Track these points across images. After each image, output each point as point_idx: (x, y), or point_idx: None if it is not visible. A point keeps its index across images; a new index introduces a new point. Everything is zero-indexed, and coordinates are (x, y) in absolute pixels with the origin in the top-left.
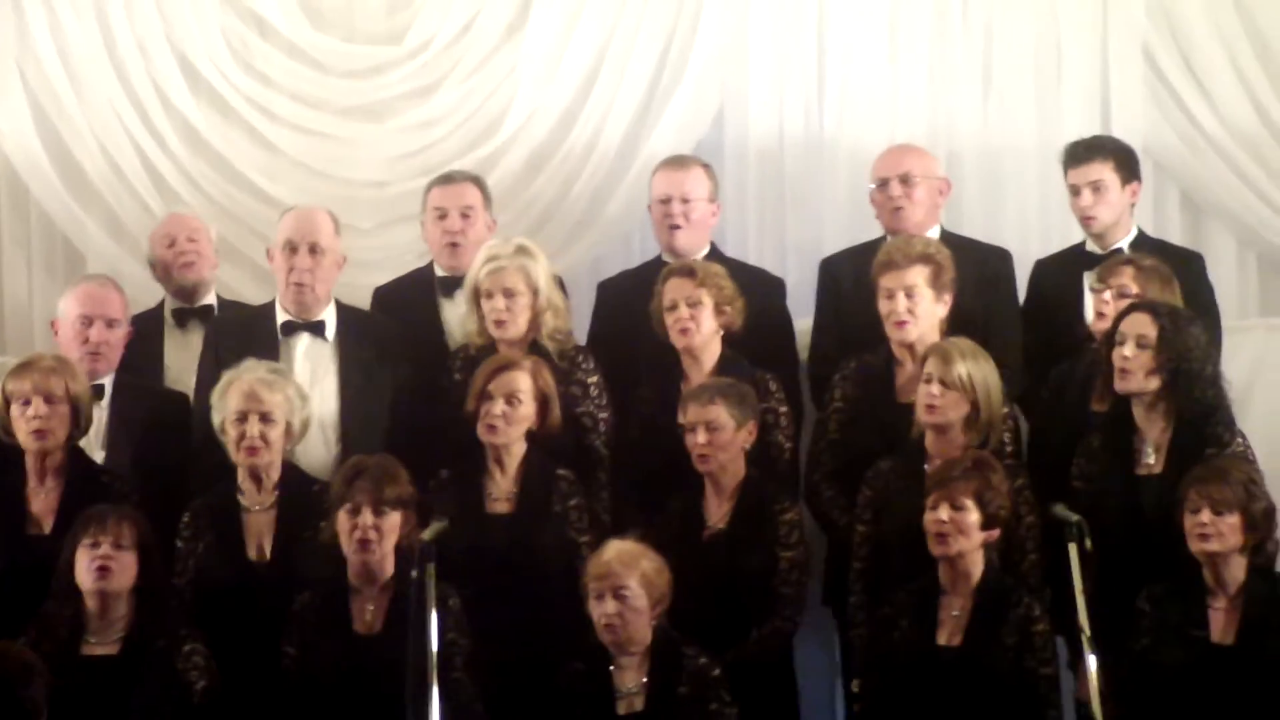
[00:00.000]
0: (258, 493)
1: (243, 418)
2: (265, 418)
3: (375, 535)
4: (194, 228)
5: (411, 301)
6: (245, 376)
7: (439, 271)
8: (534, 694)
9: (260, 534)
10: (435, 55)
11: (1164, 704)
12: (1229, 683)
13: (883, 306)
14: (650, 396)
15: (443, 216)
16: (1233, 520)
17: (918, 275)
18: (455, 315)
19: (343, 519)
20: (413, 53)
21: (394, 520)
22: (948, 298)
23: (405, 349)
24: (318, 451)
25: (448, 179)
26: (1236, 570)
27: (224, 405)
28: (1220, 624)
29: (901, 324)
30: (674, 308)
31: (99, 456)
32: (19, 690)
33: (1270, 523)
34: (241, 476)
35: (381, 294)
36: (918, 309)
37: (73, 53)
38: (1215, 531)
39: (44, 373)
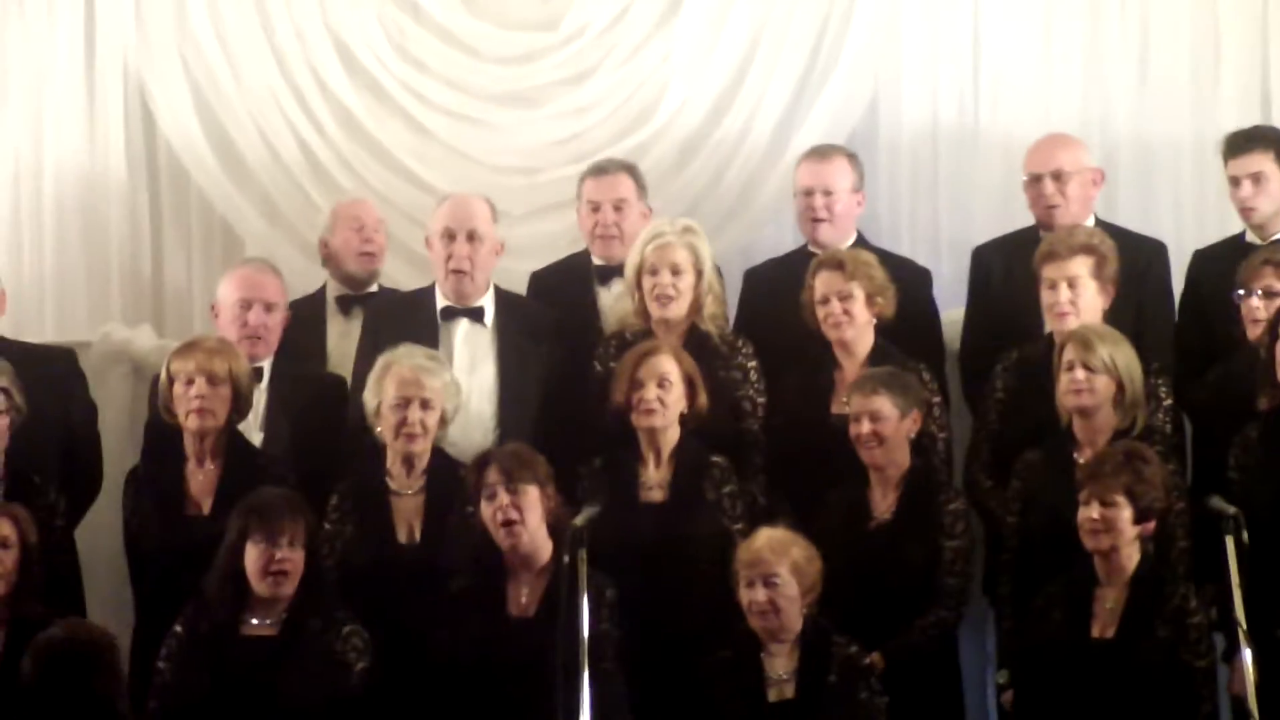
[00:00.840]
0: (407, 477)
1: (404, 403)
2: (425, 404)
3: (516, 513)
4: (379, 219)
5: (568, 288)
6: (405, 362)
7: (595, 260)
8: (684, 681)
9: (410, 518)
10: (589, 42)
11: None
12: None
13: (1045, 297)
14: (797, 385)
15: (596, 209)
16: None
17: (1081, 266)
18: (611, 303)
19: (484, 507)
20: (566, 39)
21: (532, 495)
22: (1111, 289)
23: (561, 335)
24: (475, 439)
25: (600, 170)
26: None
27: (381, 389)
28: None
29: (1063, 315)
30: (825, 301)
31: (256, 439)
32: (92, 671)
33: None
34: (392, 460)
35: (538, 278)
36: (1080, 300)
37: (232, 39)
38: None
39: (208, 353)
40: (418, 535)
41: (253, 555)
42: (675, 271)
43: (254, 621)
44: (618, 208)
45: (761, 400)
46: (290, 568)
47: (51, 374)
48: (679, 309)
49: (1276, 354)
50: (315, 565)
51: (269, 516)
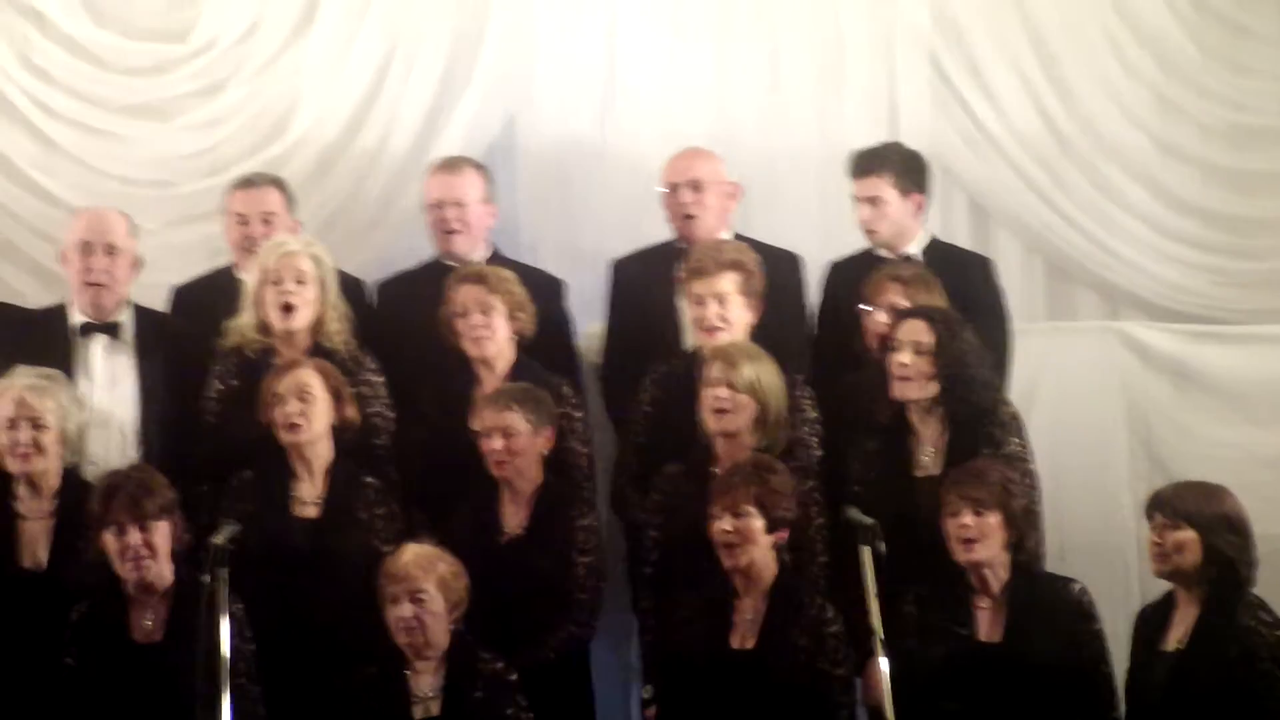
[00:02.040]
0: (34, 499)
1: (13, 424)
2: (37, 424)
3: (147, 551)
4: None
5: (216, 302)
6: (16, 383)
7: (243, 274)
8: (328, 698)
9: (36, 542)
10: (220, 54)
11: (936, 704)
12: (997, 680)
13: (692, 312)
14: (436, 399)
15: (244, 222)
16: (993, 520)
17: (729, 282)
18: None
19: (110, 540)
20: (197, 51)
21: (163, 531)
22: (757, 304)
23: (201, 351)
24: (117, 455)
25: (248, 183)
26: (1000, 570)
27: None
28: (986, 622)
29: (713, 330)
30: (466, 314)
31: None
32: None
33: (1030, 521)
34: (18, 483)
35: (182, 292)
36: (730, 315)
37: None
38: (978, 533)
39: None
40: (43, 560)
41: None
42: (300, 280)
43: None
44: (266, 220)
45: (391, 415)
46: None
47: None
48: (303, 319)
49: (889, 367)
50: None
51: None
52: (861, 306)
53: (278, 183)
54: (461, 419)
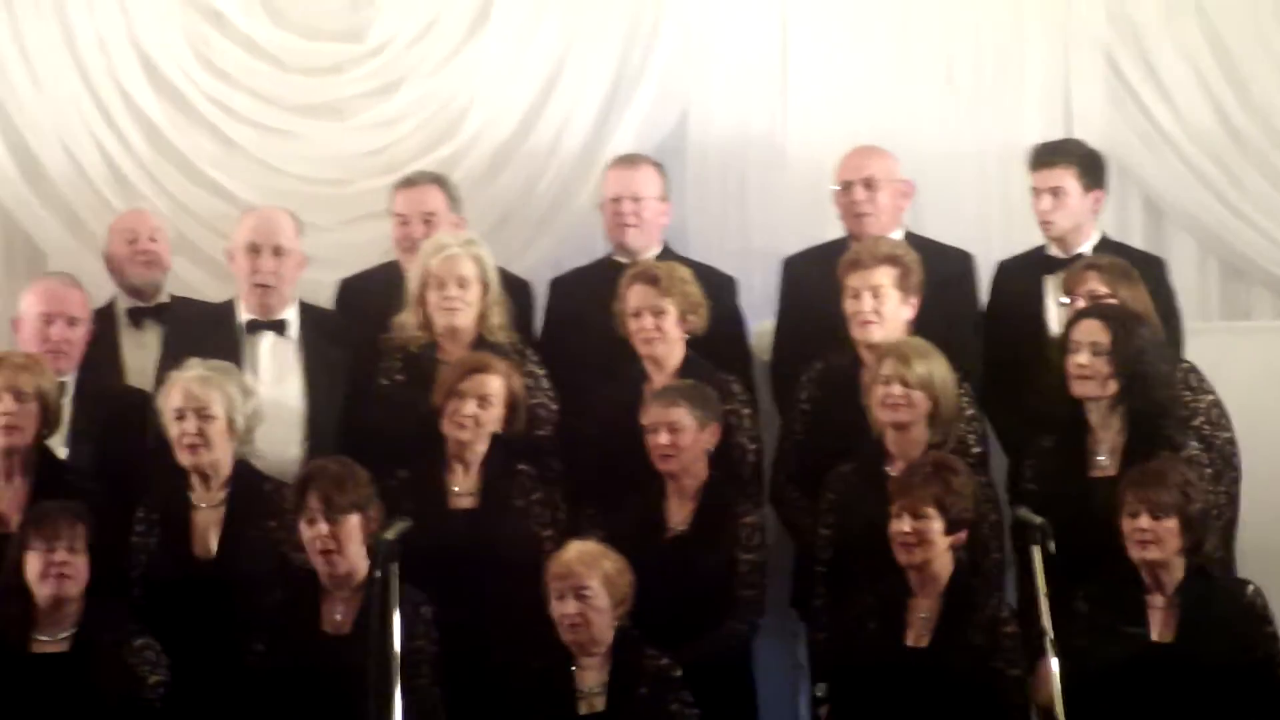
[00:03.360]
0: (205, 490)
1: (181, 415)
2: (203, 414)
3: (334, 544)
4: (155, 226)
5: (377, 298)
6: (187, 374)
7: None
8: (494, 691)
9: (207, 531)
10: (397, 53)
11: (1106, 703)
12: (1168, 681)
13: (848, 306)
14: (609, 396)
15: (405, 222)
16: (1170, 524)
17: (884, 275)
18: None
19: (303, 528)
20: (374, 50)
21: (352, 523)
22: (914, 300)
23: (365, 344)
24: (287, 450)
25: (410, 183)
26: (1175, 570)
27: (166, 405)
28: (1159, 623)
29: (867, 324)
30: (638, 315)
31: (61, 454)
32: None
33: (1206, 524)
34: (192, 474)
35: (348, 286)
36: (884, 309)
37: (32, 49)
38: (1154, 537)
39: (14, 369)
40: (214, 549)
41: (32, 562)
42: (462, 284)
43: (43, 639)
44: (427, 220)
45: (555, 408)
46: (71, 571)
47: None
48: (465, 319)
49: (1068, 366)
50: (103, 579)
51: (45, 523)
52: (1061, 299)
53: (439, 181)
54: (630, 415)
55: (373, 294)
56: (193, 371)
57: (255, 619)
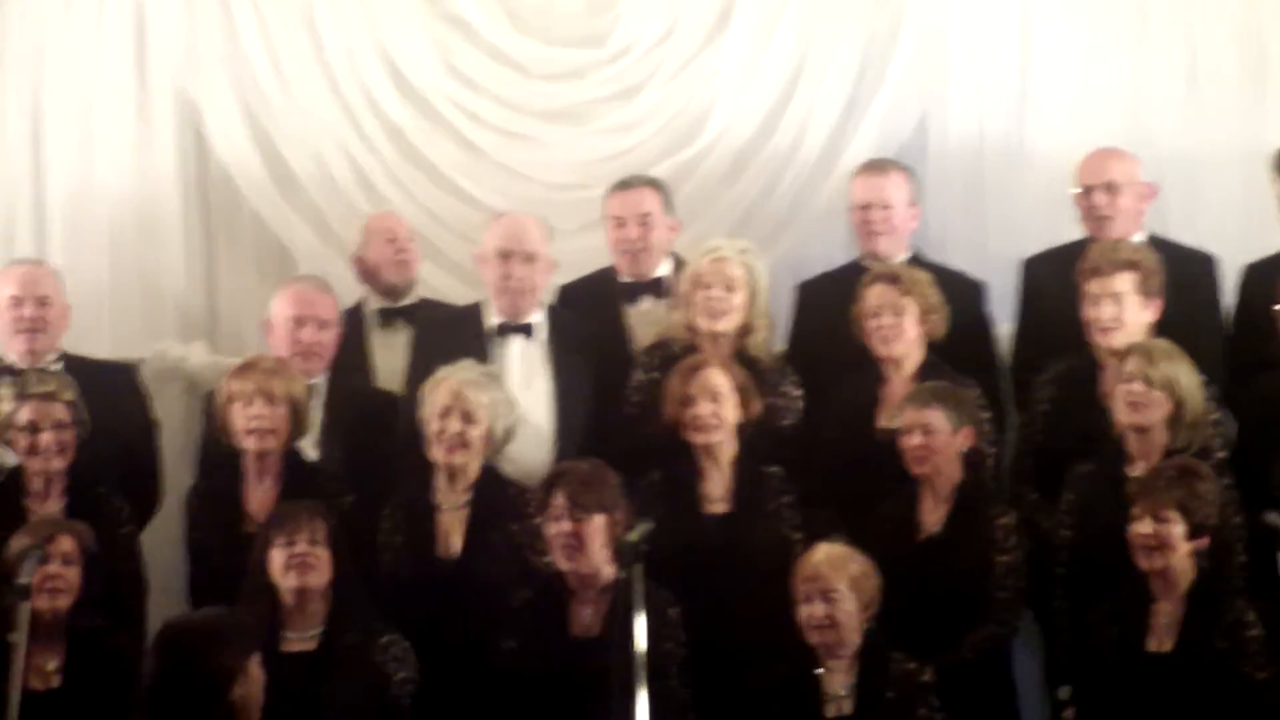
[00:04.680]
0: (452, 491)
1: (446, 414)
2: (468, 417)
3: (576, 541)
4: (409, 230)
5: (595, 302)
6: (456, 375)
7: (623, 277)
8: (740, 695)
9: (451, 532)
10: (637, 58)
11: None
12: None
13: (1089, 312)
14: (846, 399)
15: (620, 224)
16: None
17: (1124, 281)
18: (639, 320)
19: (548, 526)
20: (614, 56)
21: (596, 523)
22: (1156, 303)
23: (594, 348)
24: (532, 453)
25: (624, 185)
26: None
27: (430, 401)
28: None
29: (1107, 331)
30: (876, 315)
31: (312, 455)
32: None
33: None
34: (438, 474)
35: (567, 291)
36: (1124, 315)
37: (283, 58)
38: None
39: (265, 374)
40: (457, 549)
41: (276, 558)
42: (729, 288)
43: (291, 636)
44: (642, 222)
45: (799, 427)
46: (313, 561)
47: (112, 389)
48: (729, 324)
49: None
50: (350, 577)
51: (285, 519)
52: (1277, 307)
53: (654, 183)
54: (870, 419)
55: (590, 300)
56: (465, 373)
57: (503, 619)
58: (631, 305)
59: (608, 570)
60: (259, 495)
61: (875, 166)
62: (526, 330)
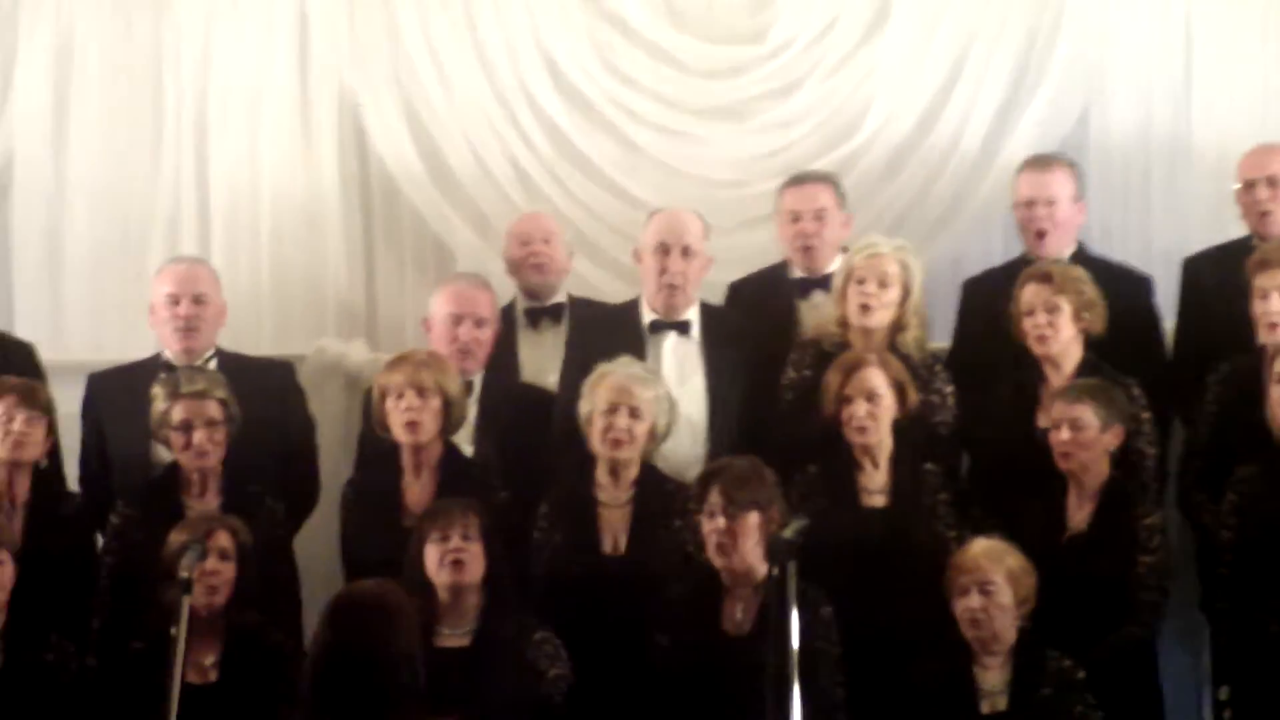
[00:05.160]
0: (614, 487)
1: (612, 409)
2: (634, 413)
3: (729, 539)
4: (549, 230)
5: (767, 298)
6: (620, 371)
7: (795, 273)
8: (897, 692)
9: (616, 528)
10: (796, 55)
11: None
12: None
13: (1256, 308)
14: (1005, 397)
15: (796, 219)
16: None
17: None
18: (812, 316)
19: (703, 522)
20: (774, 52)
21: (750, 521)
22: None
23: (761, 345)
24: (686, 450)
25: (800, 180)
26: None
27: (594, 396)
28: None
29: (1275, 326)
30: (1031, 313)
31: (468, 451)
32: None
33: None
34: (600, 470)
35: (737, 288)
36: None
37: (444, 56)
38: None
39: (416, 366)
40: (623, 546)
41: (430, 554)
42: (883, 284)
43: (445, 632)
44: (818, 218)
45: (956, 426)
46: (466, 557)
47: (269, 386)
48: (881, 319)
49: None
50: (503, 573)
51: (439, 515)
52: None
53: (829, 179)
54: (1030, 418)
55: (762, 296)
56: (632, 369)
57: (659, 615)
58: (804, 301)
59: (760, 567)
60: (416, 490)
61: (1040, 162)
62: (682, 327)
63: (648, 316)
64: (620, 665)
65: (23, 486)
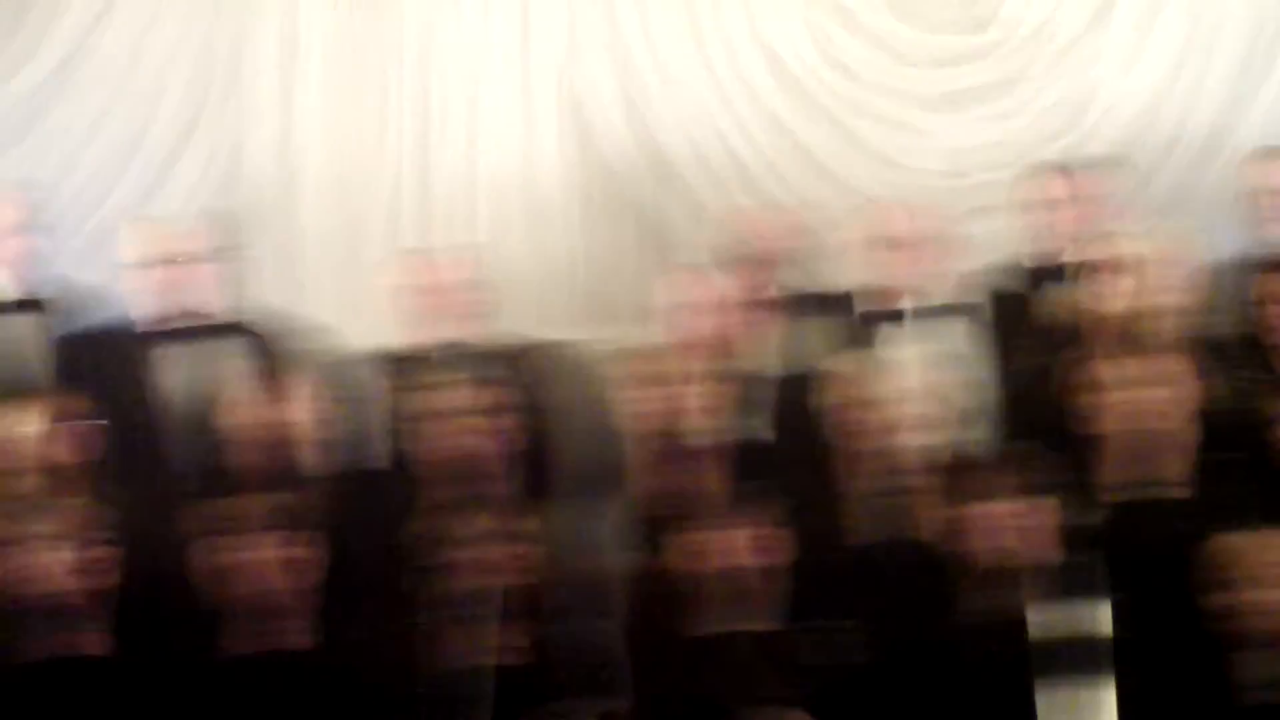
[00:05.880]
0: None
1: (845, 404)
2: (862, 405)
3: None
4: (769, 225)
5: (1000, 287)
6: (844, 364)
7: (1035, 262)
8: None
9: None
10: (1018, 44)
11: None
12: None
13: None
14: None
15: (1046, 207)
16: None
17: None
18: (1051, 305)
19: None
20: (995, 42)
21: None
22: None
23: (992, 333)
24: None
25: (1048, 169)
26: None
27: (822, 389)
28: None
29: None
30: (1263, 303)
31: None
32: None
33: None
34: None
35: (968, 276)
36: None
37: (662, 45)
38: None
39: (648, 360)
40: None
41: None
42: (1116, 272)
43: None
44: (1072, 204)
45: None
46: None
47: (500, 375)
48: (1115, 307)
49: None
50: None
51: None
52: None
53: (1074, 168)
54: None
55: (995, 284)
56: (853, 362)
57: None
58: (1043, 290)
59: (1046, 554)
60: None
61: (1273, 152)
62: (899, 317)
63: (866, 307)
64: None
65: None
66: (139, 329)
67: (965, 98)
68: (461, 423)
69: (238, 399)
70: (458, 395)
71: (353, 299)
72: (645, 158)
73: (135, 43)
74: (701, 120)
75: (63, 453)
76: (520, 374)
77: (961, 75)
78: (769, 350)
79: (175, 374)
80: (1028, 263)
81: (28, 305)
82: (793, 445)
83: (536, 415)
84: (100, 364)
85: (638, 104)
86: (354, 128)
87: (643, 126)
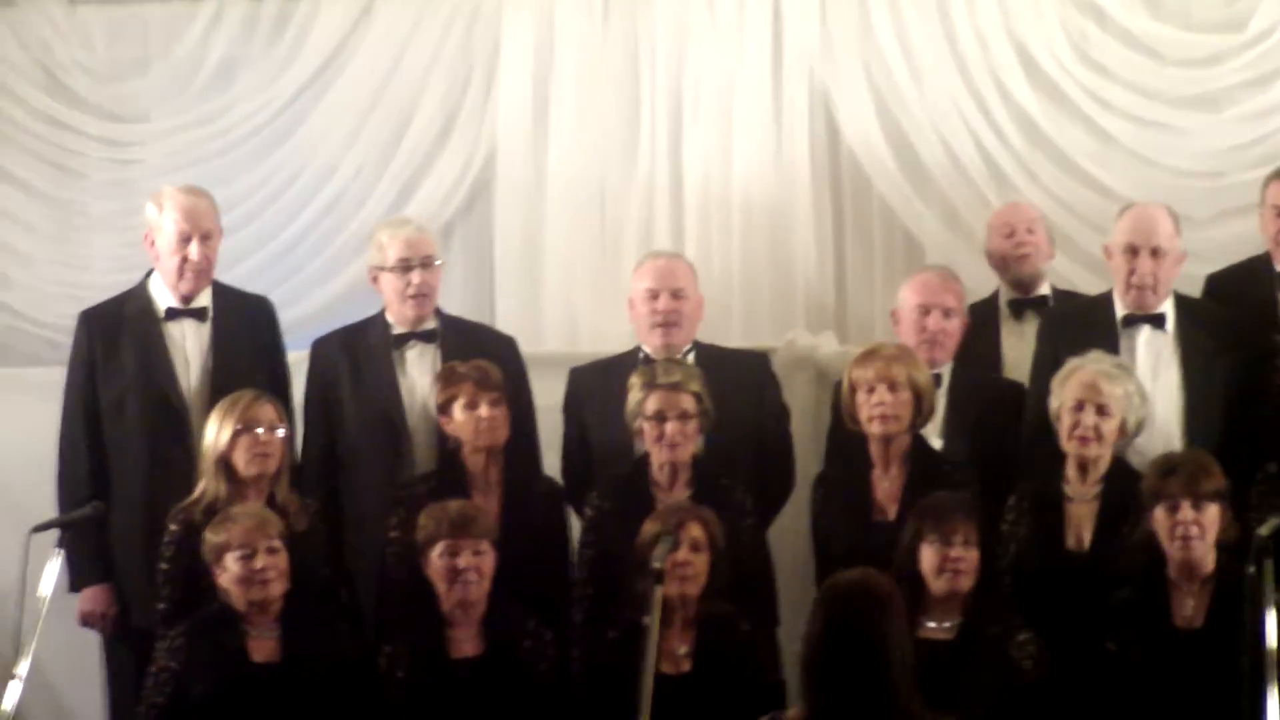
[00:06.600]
0: (1082, 483)
1: (1079, 406)
2: (1101, 409)
3: (1196, 530)
4: (1032, 219)
5: (1245, 290)
6: (1089, 366)
7: (1277, 266)
8: None
9: (1080, 524)
10: (1276, 43)
11: None
12: None
13: None
14: None
15: None
16: None
17: None
18: None
19: (1160, 515)
20: (1253, 40)
21: (1212, 514)
22: None
23: (1242, 338)
24: (1160, 445)
25: None
26: None
27: (1062, 392)
28: None
29: None
30: None
31: (936, 444)
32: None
33: None
34: (1069, 465)
35: (1215, 280)
36: None
37: (915, 46)
38: None
39: (887, 360)
40: (1086, 543)
41: (928, 556)
42: None
43: (930, 625)
44: None
45: None
46: (965, 566)
47: (745, 378)
48: None
49: None
50: (989, 569)
51: (943, 517)
52: None
53: None
54: None
55: (1242, 289)
56: (1099, 365)
57: (1106, 618)
58: None
59: (1210, 560)
60: (885, 483)
61: None
62: (1157, 320)
63: (1121, 310)
64: (1079, 662)
65: (495, 469)
66: (390, 330)
67: (1221, 97)
68: (683, 425)
69: (470, 403)
70: (682, 399)
71: (605, 303)
72: (896, 158)
73: (393, 49)
74: (954, 121)
75: (253, 462)
76: (759, 379)
77: (1218, 74)
78: (1019, 353)
79: (421, 376)
80: (1276, 265)
81: (199, 313)
82: (1036, 447)
83: (771, 418)
84: (356, 364)
85: (889, 103)
86: (607, 131)
87: (894, 126)
